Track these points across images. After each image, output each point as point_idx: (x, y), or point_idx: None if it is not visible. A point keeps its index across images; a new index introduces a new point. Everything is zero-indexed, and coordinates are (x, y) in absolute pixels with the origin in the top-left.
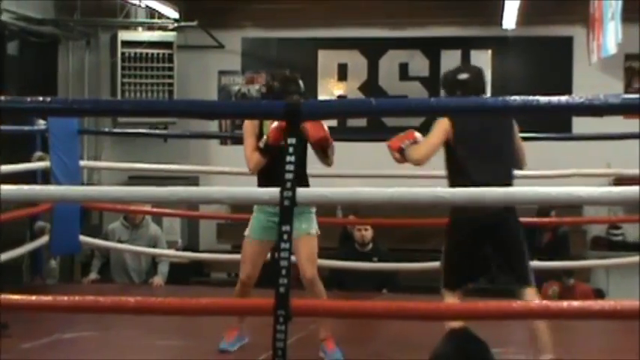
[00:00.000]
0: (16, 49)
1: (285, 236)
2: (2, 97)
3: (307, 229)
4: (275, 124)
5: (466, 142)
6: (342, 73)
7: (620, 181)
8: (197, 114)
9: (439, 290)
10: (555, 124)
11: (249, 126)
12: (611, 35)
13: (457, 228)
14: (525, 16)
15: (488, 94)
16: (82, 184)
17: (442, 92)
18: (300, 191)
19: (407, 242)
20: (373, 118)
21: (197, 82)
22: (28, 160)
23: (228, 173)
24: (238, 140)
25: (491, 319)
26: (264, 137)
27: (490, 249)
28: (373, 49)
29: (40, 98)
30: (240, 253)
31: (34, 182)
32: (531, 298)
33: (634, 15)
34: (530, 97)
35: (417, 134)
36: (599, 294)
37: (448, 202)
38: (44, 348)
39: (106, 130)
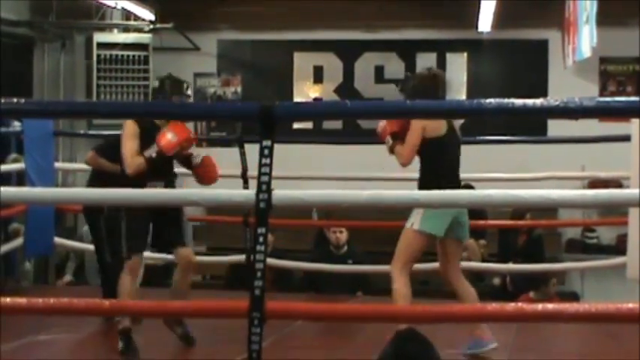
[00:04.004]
0: None
1: (261, 239)
2: None
3: (408, 223)
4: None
5: None
6: (318, 76)
7: (594, 183)
8: (173, 116)
9: (414, 293)
10: (531, 126)
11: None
12: (586, 38)
13: None
14: (501, 19)
15: (464, 96)
16: (57, 185)
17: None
18: (276, 194)
19: (382, 245)
20: (349, 120)
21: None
22: (3, 162)
23: None
24: (214, 142)
25: (466, 322)
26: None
27: None
28: (349, 52)
29: (15, 100)
30: None
31: (9, 184)
32: None
33: (609, 18)
34: (506, 100)
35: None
36: (574, 297)
37: (423, 204)
38: (18, 351)
39: (81, 132)
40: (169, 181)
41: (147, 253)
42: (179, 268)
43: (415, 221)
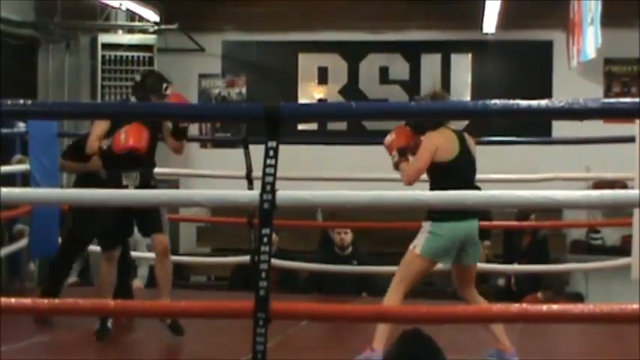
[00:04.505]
0: None
1: (266, 239)
2: None
3: (412, 244)
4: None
5: None
6: (323, 77)
7: (599, 184)
8: (178, 117)
9: (419, 293)
10: (535, 128)
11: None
12: (591, 40)
13: None
14: (505, 20)
15: (469, 97)
16: (61, 186)
17: None
18: (281, 194)
19: (386, 245)
20: (353, 121)
21: (177, 85)
22: (8, 163)
23: (209, 176)
24: (219, 143)
25: (470, 323)
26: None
27: None
28: (354, 53)
29: (20, 101)
30: None
31: (14, 185)
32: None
33: (613, 19)
34: (511, 101)
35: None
36: (578, 297)
37: (427, 205)
38: (23, 351)
39: (86, 133)
40: (145, 170)
41: (149, 254)
42: (156, 254)
43: (418, 244)
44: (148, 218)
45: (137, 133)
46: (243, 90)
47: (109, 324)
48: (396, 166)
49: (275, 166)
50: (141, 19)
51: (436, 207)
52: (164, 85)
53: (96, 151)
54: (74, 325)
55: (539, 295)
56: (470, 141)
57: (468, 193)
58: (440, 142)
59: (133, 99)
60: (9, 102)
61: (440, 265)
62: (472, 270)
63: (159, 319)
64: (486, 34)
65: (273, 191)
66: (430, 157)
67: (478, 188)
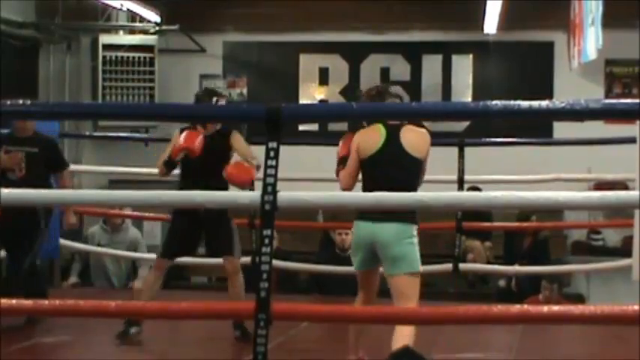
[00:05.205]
0: None
1: (267, 240)
2: None
3: None
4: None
5: None
6: (324, 77)
7: (600, 185)
8: (178, 117)
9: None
10: (536, 128)
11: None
12: (592, 41)
13: None
14: (507, 21)
15: (470, 98)
16: None
17: None
18: (282, 195)
19: None
20: (354, 122)
21: (178, 86)
22: None
23: None
24: None
25: (470, 324)
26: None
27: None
28: (355, 53)
29: (21, 101)
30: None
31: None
32: None
33: (614, 20)
34: (512, 102)
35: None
36: (580, 299)
37: (430, 207)
38: (23, 352)
39: (87, 133)
40: (210, 185)
41: (150, 255)
42: (227, 274)
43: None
44: (220, 240)
45: (190, 137)
46: (244, 91)
47: (133, 330)
48: (337, 174)
49: (276, 167)
50: (142, 19)
51: (437, 208)
52: (214, 99)
53: (161, 170)
54: (78, 327)
55: (540, 296)
56: (407, 134)
57: (470, 195)
58: (359, 140)
59: None
60: (10, 102)
61: (440, 267)
62: (395, 283)
63: (232, 325)
64: (487, 35)
65: (274, 192)
66: (355, 158)
67: (478, 189)
